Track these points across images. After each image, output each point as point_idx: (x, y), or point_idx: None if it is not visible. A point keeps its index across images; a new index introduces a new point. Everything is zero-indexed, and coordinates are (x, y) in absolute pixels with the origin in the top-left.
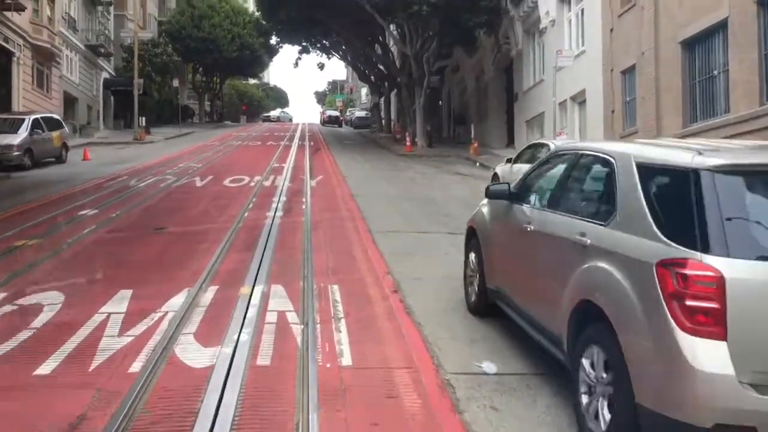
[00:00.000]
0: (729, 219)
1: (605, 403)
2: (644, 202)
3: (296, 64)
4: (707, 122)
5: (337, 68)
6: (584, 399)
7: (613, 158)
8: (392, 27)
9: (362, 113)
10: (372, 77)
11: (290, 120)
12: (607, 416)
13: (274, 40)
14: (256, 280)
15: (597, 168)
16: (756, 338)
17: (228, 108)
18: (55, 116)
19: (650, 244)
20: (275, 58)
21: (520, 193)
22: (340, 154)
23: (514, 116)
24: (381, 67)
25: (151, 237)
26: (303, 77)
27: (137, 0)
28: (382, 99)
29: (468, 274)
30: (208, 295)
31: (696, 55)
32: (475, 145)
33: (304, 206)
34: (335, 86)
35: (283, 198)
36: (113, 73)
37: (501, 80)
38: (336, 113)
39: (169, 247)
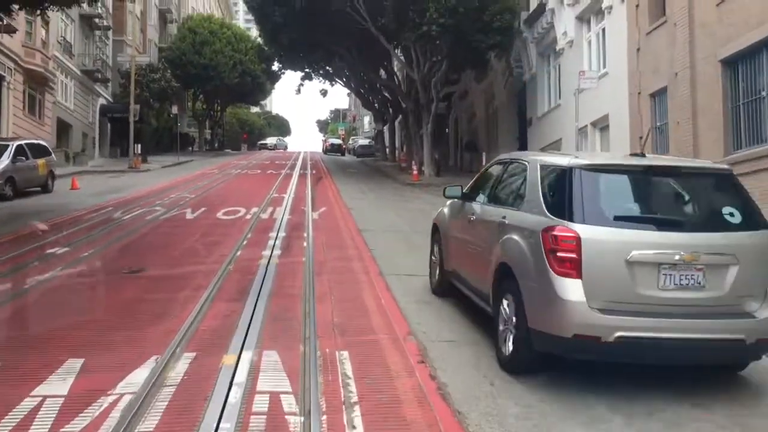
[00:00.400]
0: (586, 198)
1: (512, 330)
2: (540, 192)
3: (298, 91)
4: (753, 149)
5: (339, 97)
6: (501, 328)
7: (528, 162)
8: (398, 51)
9: (365, 141)
10: (376, 104)
11: (285, 147)
12: (512, 338)
13: (276, 65)
14: (244, 343)
15: (518, 171)
16: (600, 278)
17: (229, 136)
18: (42, 143)
19: (540, 219)
20: (277, 86)
21: (470, 193)
22: (344, 184)
23: (527, 143)
24: (386, 94)
25: (123, 282)
26: (305, 106)
27: (137, 25)
28: (386, 126)
29: (432, 261)
30: (181, 366)
31: (739, 75)
32: None
33: (305, 243)
34: (338, 115)
35: (282, 233)
36: (110, 100)
37: (513, 105)
38: (339, 141)
39: (143, 296)
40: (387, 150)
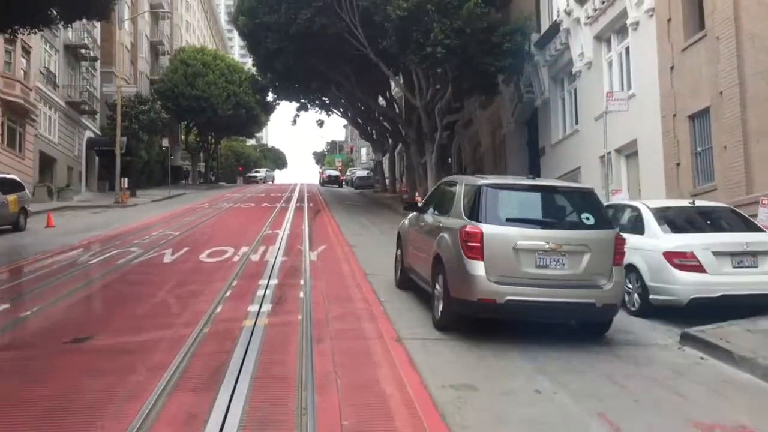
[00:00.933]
0: (487, 207)
1: (441, 300)
2: (462, 203)
3: (294, 122)
4: None
5: (335, 128)
6: (435, 302)
7: (457, 183)
8: (398, 77)
9: (364, 173)
10: (374, 134)
11: (273, 179)
12: (440, 305)
13: (270, 96)
14: None
15: (452, 189)
16: (495, 260)
17: (224, 169)
18: (14, 177)
19: (459, 221)
20: (273, 118)
21: (423, 207)
22: (344, 217)
23: (540, 173)
24: (385, 123)
25: (59, 359)
26: (301, 137)
27: (126, 57)
28: (386, 157)
29: (396, 261)
30: None
31: None
32: None
33: (301, 293)
34: (334, 146)
35: (274, 280)
36: (98, 132)
37: (521, 133)
38: (336, 173)
39: (77, 384)
40: (387, 181)
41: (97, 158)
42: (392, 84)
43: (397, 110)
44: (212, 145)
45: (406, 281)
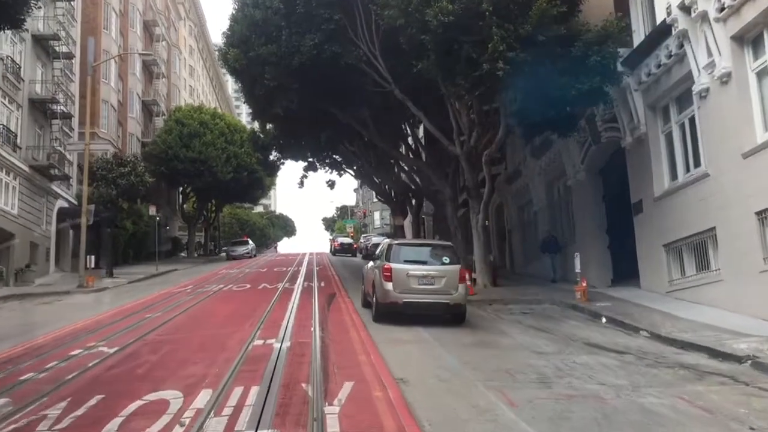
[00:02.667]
0: (394, 254)
1: (375, 305)
2: (384, 253)
3: (301, 184)
4: None
5: (345, 192)
6: (372, 308)
7: (387, 241)
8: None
9: (380, 239)
10: (393, 193)
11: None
12: (374, 308)
13: (273, 155)
14: None
15: (383, 246)
16: (398, 281)
17: (227, 238)
18: None
19: (383, 262)
20: (279, 183)
21: (377, 256)
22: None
23: (633, 238)
24: (406, 180)
25: None
26: (310, 203)
27: (112, 115)
28: (407, 219)
29: (362, 292)
30: None
31: None
32: (584, 285)
33: None
34: (344, 211)
35: None
36: (74, 201)
37: (595, 185)
38: (349, 240)
39: None
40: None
41: (71, 232)
42: (417, 130)
43: (426, 162)
44: (212, 212)
45: (366, 303)
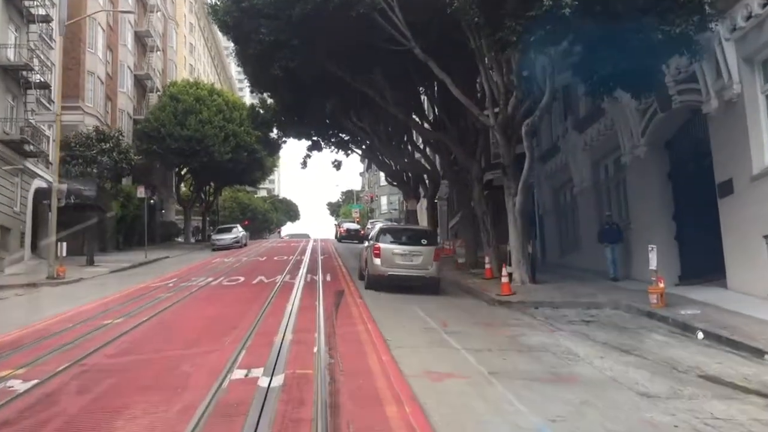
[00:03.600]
0: (382, 235)
1: (366, 276)
2: (375, 234)
3: (304, 164)
4: None
5: (351, 175)
6: (365, 278)
7: (377, 224)
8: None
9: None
10: (405, 175)
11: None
12: (366, 278)
13: (275, 132)
14: None
15: (374, 230)
16: (385, 258)
17: (228, 223)
18: None
19: (373, 242)
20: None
21: (370, 238)
22: (384, 310)
23: (710, 225)
24: (422, 161)
25: None
26: (314, 187)
27: (99, 89)
28: (421, 204)
29: (360, 268)
30: None
31: None
32: (661, 285)
33: None
34: (350, 196)
35: None
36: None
37: (659, 162)
38: (355, 226)
39: None
40: None
41: (50, 214)
42: (434, 101)
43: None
44: (210, 195)
45: (361, 276)
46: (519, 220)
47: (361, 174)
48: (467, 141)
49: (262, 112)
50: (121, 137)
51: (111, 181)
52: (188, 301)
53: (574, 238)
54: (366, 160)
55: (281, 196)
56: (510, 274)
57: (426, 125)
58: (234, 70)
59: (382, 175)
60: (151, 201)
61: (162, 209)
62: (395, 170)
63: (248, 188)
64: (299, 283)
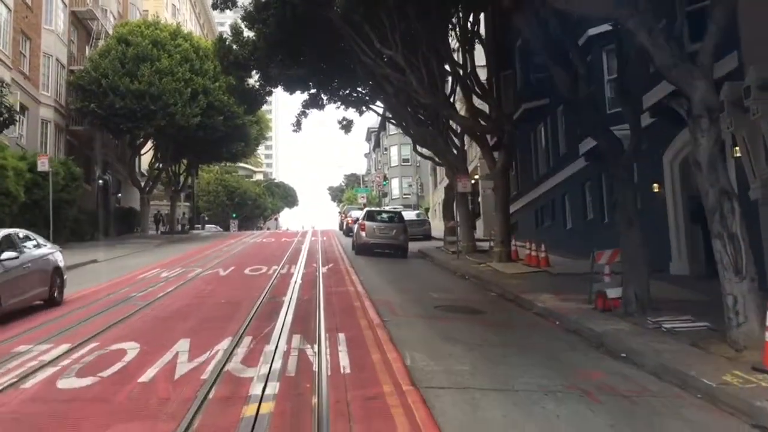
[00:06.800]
0: (368, 216)
1: (356, 244)
2: (363, 215)
3: (298, 126)
4: None
5: (355, 159)
6: (354, 246)
7: (366, 209)
8: None
9: (411, 213)
10: (449, 140)
11: (277, 223)
12: (356, 246)
13: (254, 79)
14: None
15: (364, 212)
16: (369, 232)
17: (212, 210)
18: None
19: (363, 221)
20: (277, 147)
21: (360, 218)
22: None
23: None
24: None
25: None
26: (313, 168)
27: (2, 19)
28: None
29: (352, 241)
30: None
31: None
32: None
33: None
34: (353, 180)
35: None
36: None
37: None
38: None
39: None
40: (475, 224)
41: None
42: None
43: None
44: (179, 174)
45: (352, 246)
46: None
47: (367, 155)
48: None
49: (235, 47)
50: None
51: None
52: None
53: None
54: (372, 139)
55: (277, 179)
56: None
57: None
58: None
59: (393, 154)
60: (100, 181)
61: (118, 192)
62: (431, 132)
63: (240, 167)
64: (283, 321)
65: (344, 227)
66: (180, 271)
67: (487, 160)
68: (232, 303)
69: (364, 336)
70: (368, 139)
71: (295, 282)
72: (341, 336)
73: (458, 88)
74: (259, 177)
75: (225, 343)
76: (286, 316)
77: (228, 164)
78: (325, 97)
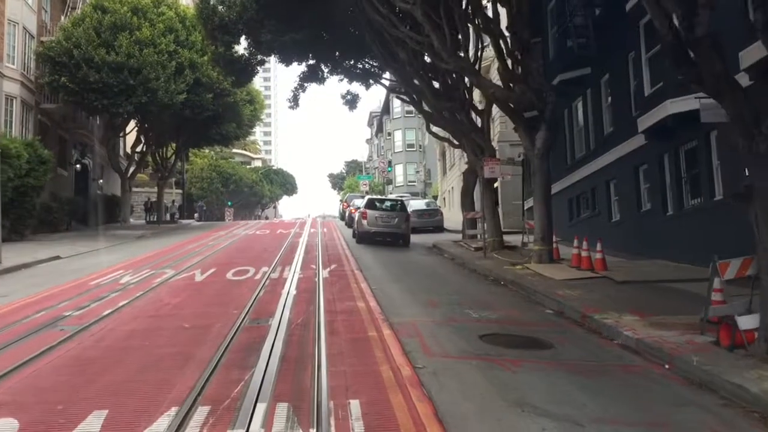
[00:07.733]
0: (368, 204)
1: (357, 233)
2: (364, 202)
3: (295, 102)
4: None
5: (356, 145)
6: (355, 234)
7: (366, 197)
8: None
9: (421, 202)
10: (470, 119)
11: (276, 211)
12: (357, 235)
13: (243, 45)
14: None
15: (364, 199)
16: (371, 220)
17: (206, 198)
18: None
19: (363, 209)
20: (277, 134)
21: (362, 207)
22: None
23: None
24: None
25: None
26: (313, 154)
27: None
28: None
29: (353, 230)
30: None
31: None
32: None
33: None
34: (354, 167)
35: None
36: None
37: None
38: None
39: None
40: (485, 222)
41: None
42: None
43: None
44: (165, 159)
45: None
46: None
47: (368, 141)
48: None
49: (221, 8)
50: None
51: None
52: None
53: None
54: (375, 123)
55: (276, 166)
56: None
57: None
58: None
59: (398, 139)
60: (78, 166)
61: (100, 178)
62: (455, 106)
63: (222, 150)
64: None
65: (346, 217)
66: (147, 274)
67: (523, 140)
68: (197, 329)
69: (391, 404)
70: (370, 124)
71: (288, 293)
72: (354, 407)
73: (481, 55)
74: (257, 164)
75: (160, 425)
76: (269, 358)
77: (222, 149)
78: (326, 69)
